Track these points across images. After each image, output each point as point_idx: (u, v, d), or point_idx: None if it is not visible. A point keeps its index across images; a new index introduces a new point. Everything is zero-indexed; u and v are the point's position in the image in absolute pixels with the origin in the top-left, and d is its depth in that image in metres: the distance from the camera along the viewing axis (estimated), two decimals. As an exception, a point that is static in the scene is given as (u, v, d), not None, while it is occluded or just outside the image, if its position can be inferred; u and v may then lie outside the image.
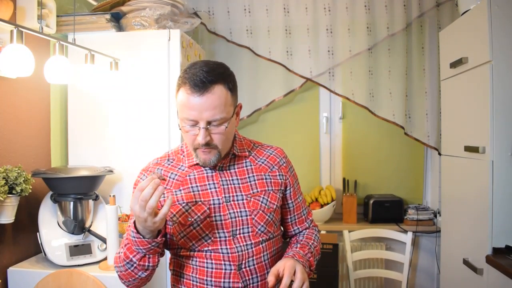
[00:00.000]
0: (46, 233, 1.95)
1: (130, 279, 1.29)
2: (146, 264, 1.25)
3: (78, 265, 1.90)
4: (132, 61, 2.23)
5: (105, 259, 1.95)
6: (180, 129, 1.27)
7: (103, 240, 1.98)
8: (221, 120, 1.22)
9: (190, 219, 1.30)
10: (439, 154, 3.00)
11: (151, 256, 1.24)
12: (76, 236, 1.99)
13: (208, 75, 1.19)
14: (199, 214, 1.30)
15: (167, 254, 1.47)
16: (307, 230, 1.52)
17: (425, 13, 3.00)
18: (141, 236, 1.20)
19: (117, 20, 2.31)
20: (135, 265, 1.25)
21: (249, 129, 3.23)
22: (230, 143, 1.34)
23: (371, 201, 3.06)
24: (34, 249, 2.05)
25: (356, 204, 3.11)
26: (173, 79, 2.21)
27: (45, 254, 1.92)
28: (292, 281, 1.21)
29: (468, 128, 2.12)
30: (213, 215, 1.30)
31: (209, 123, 1.21)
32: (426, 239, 3.09)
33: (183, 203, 1.31)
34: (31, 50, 1.56)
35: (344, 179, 3.18)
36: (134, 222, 1.21)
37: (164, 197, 1.32)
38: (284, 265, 1.23)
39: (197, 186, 1.33)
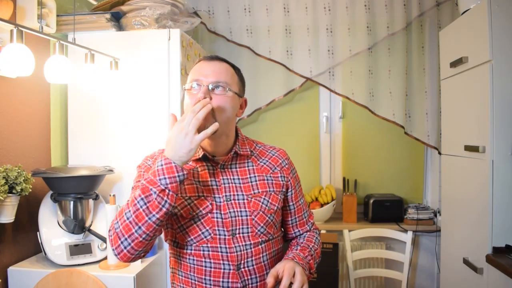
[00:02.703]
0: (46, 233, 1.96)
1: (133, 230, 1.17)
2: (164, 199, 1.16)
3: (78, 265, 1.90)
4: (132, 61, 2.23)
5: (105, 258, 1.95)
6: (184, 87, 1.34)
7: (103, 240, 1.98)
8: (224, 85, 1.29)
9: (192, 212, 1.30)
10: (439, 153, 3.00)
11: (170, 192, 1.16)
12: (76, 236, 1.99)
13: (222, 58, 1.36)
14: (201, 209, 1.31)
15: (167, 252, 1.47)
16: (308, 233, 1.52)
17: (425, 13, 3.00)
18: (171, 161, 1.16)
19: (117, 20, 2.31)
20: (150, 202, 1.15)
21: (249, 129, 3.23)
22: (228, 123, 1.33)
23: (371, 201, 3.06)
24: (34, 249, 2.05)
25: (356, 203, 3.11)
26: (173, 79, 2.21)
27: (45, 254, 1.92)
28: (291, 283, 1.21)
29: (468, 127, 2.12)
30: (214, 211, 1.31)
31: (212, 88, 1.28)
32: (426, 238, 3.09)
33: (186, 196, 1.32)
34: (31, 49, 1.56)
35: (344, 179, 3.18)
36: (163, 154, 1.19)
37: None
38: (284, 267, 1.23)
39: (199, 181, 1.34)
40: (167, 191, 1.15)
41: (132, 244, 1.19)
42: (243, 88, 1.41)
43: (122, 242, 1.19)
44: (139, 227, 1.17)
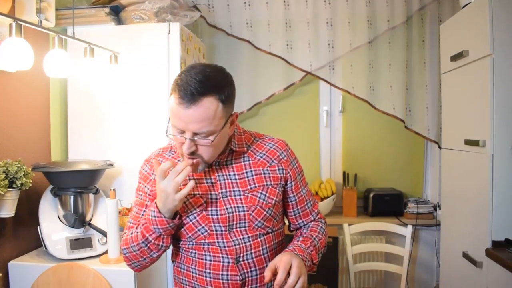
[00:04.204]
0: (47, 227, 1.96)
1: (140, 259, 1.33)
2: (160, 244, 1.28)
3: (79, 259, 1.91)
4: (131, 55, 2.23)
5: (106, 252, 1.96)
6: (166, 135, 1.27)
7: (104, 234, 1.99)
8: (208, 133, 1.19)
9: (186, 211, 1.31)
10: (439, 147, 3.00)
11: (165, 236, 1.28)
12: (76, 230, 2.00)
13: (199, 86, 1.14)
14: (195, 207, 1.31)
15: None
16: (312, 223, 1.48)
17: (425, 6, 2.99)
18: (161, 215, 1.24)
19: (117, 14, 2.30)
20: (150, 244, 1.28)
21: (249, 123, 3.23)
22: (219, 152, 1.31)
23: (371, 195, 3.07)
24: (35, 243, 2.05)
25: (356, 197, 3.12)
26: (173, 73, 2.20)
27: (45, 248, 1.93)
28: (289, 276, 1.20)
29: (469, 121, 2.11)
30: (209, 209, 1.30)
31: (195, 134, 1.19)
32: (426, 232, 3.10)
33: None
34: (30, 43, 1.55)
35: (344, 173, 3.19)
36: (155, 203, 1.26)
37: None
38: (281, 260, 1.22)
39: (194, 180, 1.32)
40: (162, 236, 1.27)
41: (143, 263, 1.36)
42: (231, 106, 1.25)
43: (132, 263, 1.36)
44: (144, 259, 1.33)
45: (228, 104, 1.22)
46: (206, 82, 1.16)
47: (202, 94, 1.15)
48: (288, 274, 1.20)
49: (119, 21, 2.31)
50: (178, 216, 1.28)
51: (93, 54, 1.97)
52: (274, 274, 1.21)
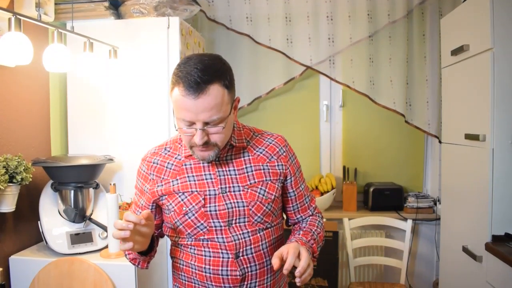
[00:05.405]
0: (47, 222, 1.96)
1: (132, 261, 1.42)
2: (136, 264, 1.39)
3: (79, 253, 1.91)
4: (131, 49, 2.22)
5: (106, 247, 1.96)
6: (176, 130, 1.25)
7: (104, 228, 1.99)
8: (218, 120, 1.19)
9: (185, 208, 1.30)
10: (440, 142, 3.00)
11: (141, 261, 1.37)
12: (77, 225, 2.00)
13: (203, 75, 1.14)
14: (193, 204, 1.30)
15: (168, 241, 1.48)
16: (311, 217, 1.49)
17: (426, 0, 2.98)
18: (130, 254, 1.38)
19: (116, 8, 2.29)
20: (128, 259, 1.41)
21: (249, 117, 3.23)
22: (229, 137, 1.32)
23: (371, 189, 3.07)
24: (35, 238, 2.06)
25: (356, 192, 3.12)
26: (173, 67, 2.17)
27: (46, 243, 1.93)
28: (295, 267, 1.19)
29: (469, 116, 2.11)
30: (207, 205, 1.30)
31: (206, 124, 1.19)
32: (426, 226, 3.11)
33: (179, 192, 1.31)
34: (29, 38, 1.54)
35: (344, 167, 3.19)
36: None
37: (161, 185, 1.34)
38: (288, 248, 1.21)
39: (193, 176, 1.32)
40: (138, 260, 1.37)
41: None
42: (233, 90, 1.25)
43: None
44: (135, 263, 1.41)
45: (231, 89, 1.23)
46: (207, 70, 1.16)
47: (207, 82, 1.14)
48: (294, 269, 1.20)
49: (119, 16, 2.31)
50: (153, 251, 1.37)
51: (92, 49, 1.97)
52: (282, 261, 1.19)
